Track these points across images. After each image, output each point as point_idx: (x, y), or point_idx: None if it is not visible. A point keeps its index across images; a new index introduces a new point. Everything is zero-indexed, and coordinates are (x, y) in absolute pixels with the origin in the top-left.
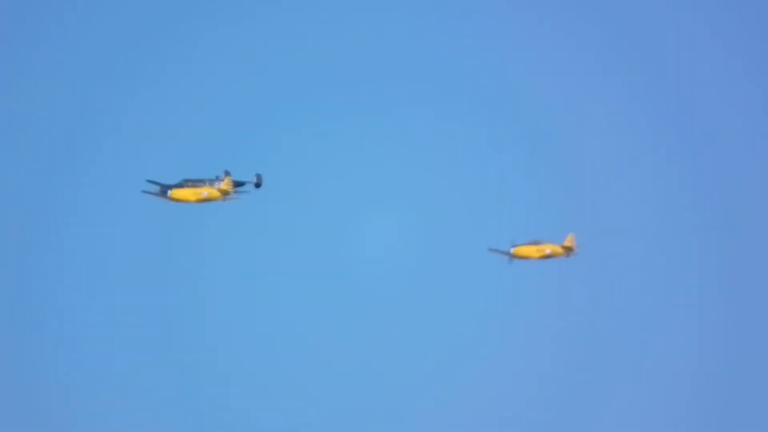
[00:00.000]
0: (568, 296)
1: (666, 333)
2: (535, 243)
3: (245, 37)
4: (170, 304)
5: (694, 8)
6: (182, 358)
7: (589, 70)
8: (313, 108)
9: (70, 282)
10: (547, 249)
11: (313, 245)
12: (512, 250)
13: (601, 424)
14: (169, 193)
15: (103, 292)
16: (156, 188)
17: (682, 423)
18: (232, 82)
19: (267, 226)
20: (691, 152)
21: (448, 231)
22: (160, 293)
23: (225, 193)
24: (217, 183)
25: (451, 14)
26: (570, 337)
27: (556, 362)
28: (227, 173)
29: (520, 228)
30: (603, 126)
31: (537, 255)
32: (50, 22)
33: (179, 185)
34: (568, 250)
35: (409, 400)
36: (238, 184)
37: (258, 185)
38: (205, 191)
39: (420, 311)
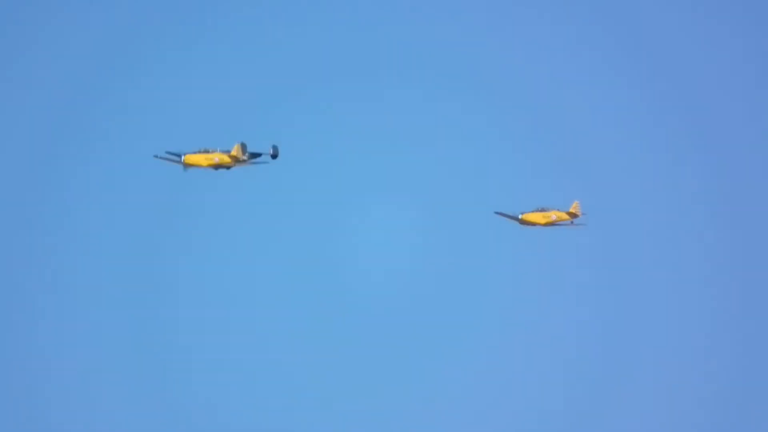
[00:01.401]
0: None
1: (669, 302)
2: (542, 210)
3: (246, 27)
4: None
5: None
6: (169, 352)
7: (582, 52)
8: (309, 95)
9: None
10: (553, 215)
11: (310, 235)
12: (520, 216)
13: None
14: (182, 157)
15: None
16: (170, 155)
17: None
18: (232, 72)
19: (265, 213)
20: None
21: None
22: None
23: (235, 159)
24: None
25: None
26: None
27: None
28: (242, 144)
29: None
30: (599, 103)
31: (543, 221)
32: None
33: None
34: (573, 216)
35: (408, 391)
36: (253, 155)
37: (274, 156)
38: (216, 156)
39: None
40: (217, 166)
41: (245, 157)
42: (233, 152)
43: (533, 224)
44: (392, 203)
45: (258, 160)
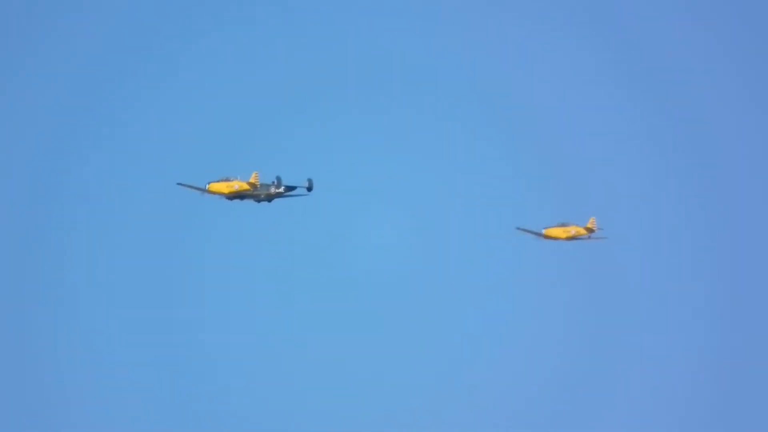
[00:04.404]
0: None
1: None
2: (563, 225)
3: (243, 40)
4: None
5: None
6: (182, 358)
7: (576, 63)
8: (311, 108)
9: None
10: (572, 230)
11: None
12: (543, 231)
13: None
14: (206, 186)
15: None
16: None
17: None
18: (232, 83)
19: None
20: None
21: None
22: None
23: (253, 186)
24: (272, 187)
25: (445, 16)
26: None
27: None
28: (278, 178)
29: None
30: (593, 116)
31: (564, 236)
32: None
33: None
34: (590, 231)
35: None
36: (289, 188)
37: (309, 189)
38: (236, 184)
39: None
40: (242, 195)
41: (281, 190)
42: (251, 179)
43: (555, 239)
44: (392, 219)
45: (294, 192)
